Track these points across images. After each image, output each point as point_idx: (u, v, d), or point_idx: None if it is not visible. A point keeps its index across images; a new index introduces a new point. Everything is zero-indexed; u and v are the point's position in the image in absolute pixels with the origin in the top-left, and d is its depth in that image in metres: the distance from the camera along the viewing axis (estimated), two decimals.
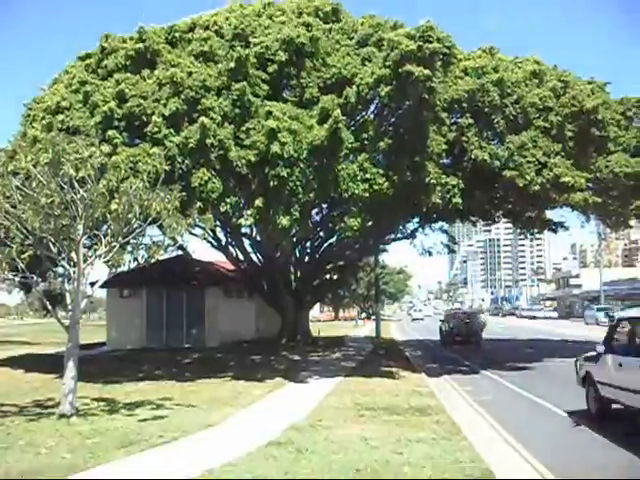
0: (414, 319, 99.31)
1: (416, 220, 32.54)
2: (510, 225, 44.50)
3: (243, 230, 31.40)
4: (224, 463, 9.45)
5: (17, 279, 14.94)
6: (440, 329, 44.36)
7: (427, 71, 19.03)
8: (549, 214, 31.46)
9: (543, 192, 22.43)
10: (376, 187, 20.27)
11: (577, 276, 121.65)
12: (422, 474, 8.87)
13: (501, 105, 21.86)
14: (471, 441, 11.20)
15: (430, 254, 41.02)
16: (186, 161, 20.05)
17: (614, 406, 13.02)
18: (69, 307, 14.66)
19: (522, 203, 26.60)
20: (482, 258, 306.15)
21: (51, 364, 24.43)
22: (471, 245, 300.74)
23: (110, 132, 20.49)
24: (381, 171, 20.59)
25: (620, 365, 12.33)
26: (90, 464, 9.59)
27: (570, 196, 23.20)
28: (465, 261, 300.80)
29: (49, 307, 15.53)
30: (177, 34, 23.62)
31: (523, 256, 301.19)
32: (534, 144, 22.25)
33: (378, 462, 9.53)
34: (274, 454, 10.07)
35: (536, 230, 33.65)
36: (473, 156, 21.61)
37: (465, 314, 46.63)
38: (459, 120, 22.32)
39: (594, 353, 13.68)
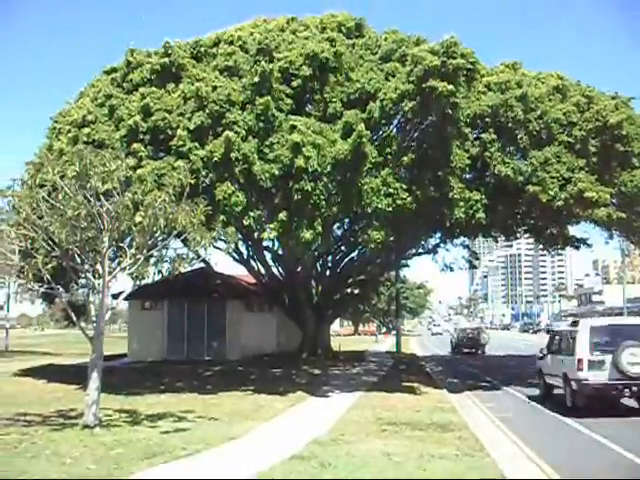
0: (434, 334, 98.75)
1: (438, 235, 32.43)
2: (532, 240, 44.31)
3: (265, 244, 31.49)
4: (248, 476, 9.46)
5: (42, 290, 15.07)
6: (450, 341, 56.51)
7: (451, 86, 19.07)
8: (572, 230, 31.21)
9: (566, 207, 22.31)
10: (399, 202, 20.27)
11: (600, 292, 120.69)
12: None
13: (524, 120, 21.79)
14: (494, 458, 11.12)
15: (451, 269, 40.89)
16: (210, 174, 20.20)
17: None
18: (93, 318, 14.76)
19: (545, 218, 26.46)
20: (503, 273, 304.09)
21: (73, 375, 24.65)
22: (492, 260, 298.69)
23: (135, 145, 20.69)
24: (404, 186, 20.59)
25: (550, 360, 19.77)
26: (115, 475, 9.64)
27: (594, 211, 22.99)
28: (486, 276, 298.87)
29: (74, 318, 15.62)
30: (202, 49, 23.87)
31: (544, 272, 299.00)
32: (558, 159, 22.15)
33: (401, 478, 9.49)
34: (297, 468, 10.06)
35: (559, 246, 33.41)
36: (496, 171, 21.57)
37: (470, 329, 56.12)
38: (482, 135, 22.27)
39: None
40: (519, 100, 21.64)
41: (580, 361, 16.89)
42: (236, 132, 20.12)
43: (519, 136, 21.97)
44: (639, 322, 20.87)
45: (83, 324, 15.94)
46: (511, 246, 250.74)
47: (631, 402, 17.58)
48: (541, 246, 36.00)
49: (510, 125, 21.84)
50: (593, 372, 16.71)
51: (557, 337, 20.18)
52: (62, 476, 9.47)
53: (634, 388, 16.57)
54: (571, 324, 19.92)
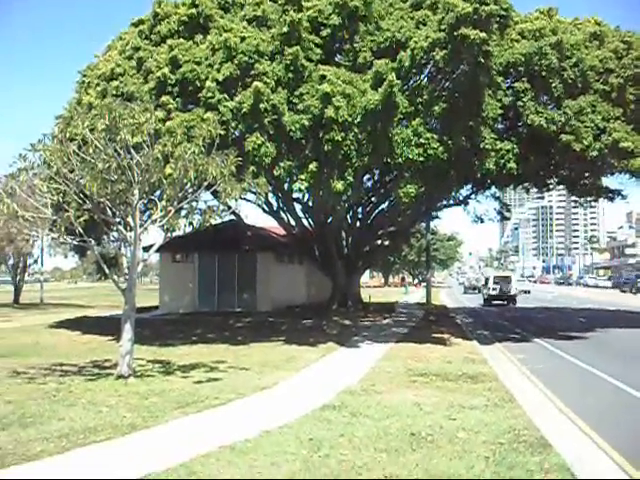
0: (466, 289, 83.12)
1: (469, 186, 32.15)
2: (564, 192, 43.91)
3: (295, 195, 31.49)
4: (280, 425, 9.55)
5: (74, 242, 15.21)
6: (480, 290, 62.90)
7: (483, 34, 18.69)
8: (605, 181, 30.72)
9: (601, 157, 21.98)
10: (430, 152, 20.04)
11: (633, 245, 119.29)
12: (477, 440, 8.84)
13: (559, 68, 21.32)
14: (524, 409, 11.11)
15: (482, 221, 40.74)
16: (239, 126, 20.12)
17: None
18: (125, 271, 14.90)
19: (578, 169, 26.10)
20: (534, 226, 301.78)
21: (106, 327, 25.06)
22: (523, 212, 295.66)
23: (164, 98, 20.63)
24: (435, 136, 20.33)
25: None
26: (150, 423, 9.81)
27: (629, 162, 22.58)
28: (517, 228, 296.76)
29: (106, 270, 15.77)
30: None
31: (576, 224, 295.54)
32: (593, 108, 21.75)
33: (432, 427, 9.53)
34: (329, 417, 10.15)
35: (592, 198, 33.00)
36: (529, 121, 21.19)
37: (499, 277, 56.21)
38: (515, 84, 21.86)
39: None
40: (554, 48, 21.15)
41: None
42: (265, 83, 19.95)
43: (553, 85, 21.50)
44: None
45: (115, 277, 16.08)
46: (543, 198, 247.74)
47: None
48: (574, 198, 35.62)
49: (544, 74, 21.37)
50: None
51: None
52: (99, 423, 9.66)
53: None
54: None
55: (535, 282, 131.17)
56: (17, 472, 7.48)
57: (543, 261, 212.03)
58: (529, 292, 71.29)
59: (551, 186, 33.30)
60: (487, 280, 55.88)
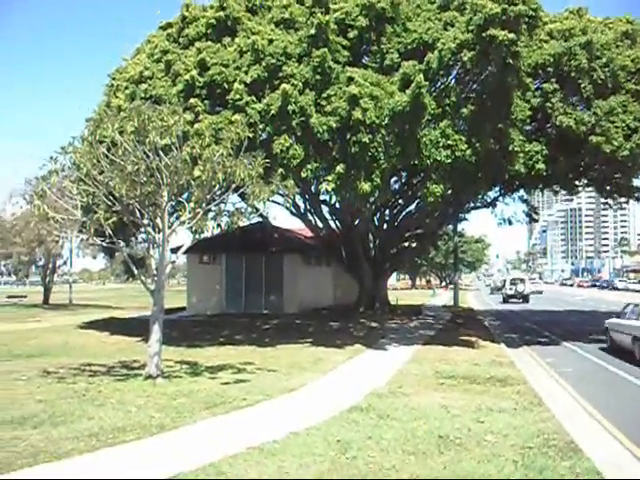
0: (492, 290, 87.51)
1: (497, 188, 31.93)
2: (593, 194, 43.55)
3: (322, 197, 31.48)
4: (308, 426, 9.57)
5: (103, 244, 15.34)
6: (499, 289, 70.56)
7: (512, 35, 18.57)
8: (636, 182, 30.30)
9: (632, 158, 21.71)
10: (458, 154, 19.95)
11: None
12: (505, 443, 8.78)
13: (589, 69, 21.12)
14: (554, 412, 11.02)
15: (510, 223, 40.37)
16: (267, 128, 20.20)
17: None
18: (153, 272, 15.00)
19: (608, 170, 25.81)
20: (563, 228, 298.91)
21: (134, 327, 25.23)
22: (551, 215, 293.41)
23: (192, 100, 20.73)
24: (463, 138, 20.23)
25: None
26: (178, 423, 9.87)
27: None
28: (545, 231, 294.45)
29: (135, 271, 15.88)
30: (257, 2, 23.66)
31: (606, 226, 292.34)
32: (624, 108, 21.52)
33: (460, 430, 9.50)
34: (356, 419, 10.15)
35: (622, 199, 32.60)
36: (558, 122, 21.05)
37: (514, 279, 66.19)
38: (544, 85, 21.75)
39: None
40: (583, 48, 20.98)
41: None
42: (293, 85, 20.00)
43: (582, 85, 21.31)
44: None
45: (143, 278, 16.20)
46: (571, 200, 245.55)
47: None
48: (603, 199, 35.20)
49: (573, 74, 21.21)
50: None
51: None
52: (128, 423, 9.74)
53: None
54: None
55: (572, 285, 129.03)
56: (48, 470, 7.56)
57: (572, 264, 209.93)
58: (541, 292, 75.53)
59: (580, 187, 32.95)
60: (504, 282, 67.09)
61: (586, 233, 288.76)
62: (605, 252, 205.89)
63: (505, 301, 60.43)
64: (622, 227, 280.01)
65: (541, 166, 20.64)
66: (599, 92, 21.66)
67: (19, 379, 14.31)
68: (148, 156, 13.43)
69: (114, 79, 25.41)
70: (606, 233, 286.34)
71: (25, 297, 59.59)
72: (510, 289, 61.69)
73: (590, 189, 34.27)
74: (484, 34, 18.90)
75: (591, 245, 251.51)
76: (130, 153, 13.42)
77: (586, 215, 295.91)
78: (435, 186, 20.64)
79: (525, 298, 60.01)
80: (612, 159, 21.98)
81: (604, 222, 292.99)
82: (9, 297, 59.89)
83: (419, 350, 20.28)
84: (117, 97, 23.12)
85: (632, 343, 18.77)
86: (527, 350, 21.73)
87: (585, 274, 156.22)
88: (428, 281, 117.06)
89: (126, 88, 23.13)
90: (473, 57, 19.71)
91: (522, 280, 65.03)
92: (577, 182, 29.96)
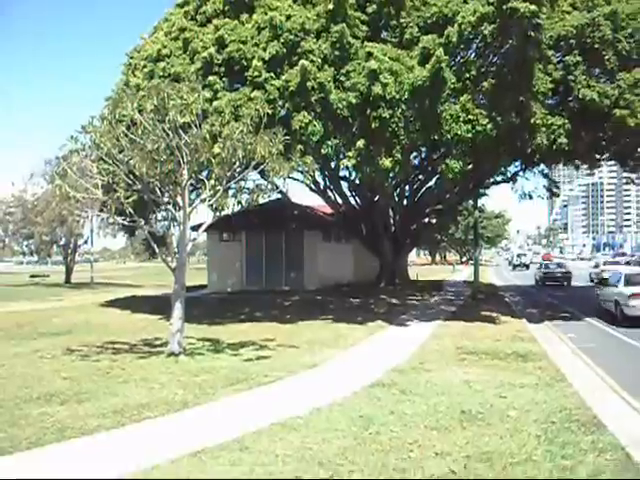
0: (516, 266, 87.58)
1: (517, 163, 31.69)
2: (614, 168, 43.13)
3: (341, 173, 31.43)
4: (331, 402, 9.61)
5: (124, 222, 15.41)
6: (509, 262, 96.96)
7: (533, 7, 18.29)
8: None
9: None
10: (479, 128, 19.76)
11: None
12: (528, 418, 8.77)
13: (613, 40, 20.66)
14: (576, 388, 10.97)
15: (530, 197, 40.13)
16: (286, 104, 20.09)
17: None
18: (174, 250, 15.08)
19: (632, 144, 25.43)
20: (584, 203, 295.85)
21: (155, 305, 25.41)
22: (572, 189, 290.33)
23: (211, 78, 20.67)
24: (484, 112, 20.02)
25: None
26: (201, 400, 9.96)
27: None
28: (566, 206, 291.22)
29: (156, 249, 15.96)
30: None
31: (628, 201, 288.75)
32: None
33: (482, 405, 9.51)
34: (378, 395, 10.18)
35: None
36: (580, 95, 20.70)
37: (520, 254, 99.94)
38: (566, 58, 21.36)
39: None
40: (608, 18, 20.55)
41: None
42: (311, 61, 19.85)
43: (606, 57, 20.86)
44: None
45: (164, 256, 16.29)
46: (593, 174, 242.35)
47: None
48: (625, 174, 34.80)
49: (597, 46, 20.77)
50: None
51: None
52: (152, 400, 9.84)
53: None
54: None
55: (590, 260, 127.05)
56: (77, 445, 7.67)
57: (593, 239, 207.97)
58: (562, 265, 74.49)
59: (602, 162, 32.58)
60: (512, 256, 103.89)
61: (607, 208, 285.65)
62: (627, 227, 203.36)
63: (514, 268, 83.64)
64: None
65: (563, 140, 20.36)
66: (623, 64, 21.20)
67: (44, 357, 14.52)
68: (168, 134, 13.45)
69: (132, 58, 25.37)
70: (628, 208, 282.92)
71: (48, 276, 60.16)
72: (517, 261, 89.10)
73: (612, 163, 33.86)
74: (505, 6, 18.66)
75: (612, 220, 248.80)
76: (150, 132, 13.43)
77: (607, 189, 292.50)
78: (454, 162, 20.49)
79: (526, 266, 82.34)
80: (636, 132, 21.63)
81: (626, 196, 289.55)
82: (32, 276, 60.45)
83: (440, 326, 20.28)
84: (135, 76, 23.12)
85: (615, 307, 22.30)
86: (549, 325, 21.62)
87: (607, 249, 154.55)
88: (444, 257, 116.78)
89: (144, 67, 23.09)
90: (494, 30, 19.48)
91: (525, 255, 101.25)
92: (599, 156, 29.62)
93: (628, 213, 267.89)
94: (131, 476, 6.56)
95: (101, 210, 16.00)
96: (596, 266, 53.71)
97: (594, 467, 6.75)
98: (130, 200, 14.27)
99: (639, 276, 23.59)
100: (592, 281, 44.87)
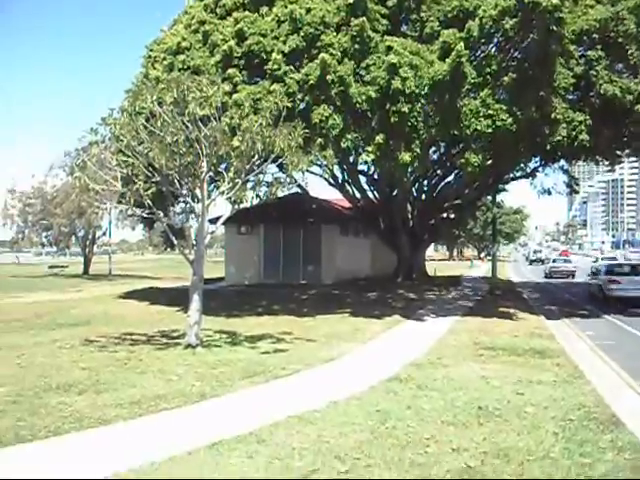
0: (532, 261, 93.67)
1: (537, 159, 31.49)
2: (636, 165, 42.86)
3: (360, 167, 31.38)
4: (348, 396, 9.59)
5: (143, 214, 15.47)
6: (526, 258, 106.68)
7: (555, 0, 18.12)
8: None
9: None
10: (499, 123, 19.62)
11: None
12: (546, 415, 8.72)
13: (637, 34, 20.36)
14: (594, 385, 10.89)
15: (550, 193, 40.00)
16: (306, 98, 20.09)
17: None
18: (193, 242, 15.12)
19: None
20: (604, 199, 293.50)
21: (173, 297, 25.52)
22: (592, 186, 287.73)
23: (230, 71, 20.72)
24: (504, 107, 19.86)
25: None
26: (218, 392, 9.98)
27: None
28: (585, 202, 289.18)
29: (175, 241, 16.00)
30: None
31: None
32: None
33: (500, 401, 9.45)
34: (395, 389, 10.15)
35: None
36: (602, 91, 20.49)
37: (536, 250, 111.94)
38: (588, 52, 21.16)
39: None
40: (632, 12, 20.27)
41: None
42: (331, 54, 19.83)
43: (630, 52, 20.59)
44: None
45: (182, 248, 16.33)
46: (613, 171, 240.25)
47: None
48: None
49: (620, 40, 20.55)
50: None
51: None
52: (169, 391, 9.88)
53: None
54: None
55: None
56: (95, 435, 7.73)
57: (613, 236, 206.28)
58: (569, 260, 78.19)
59: (623, 158, 32.32)
60: (529, 252, 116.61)
61: (628, 205, 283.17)
62: None
63: (530, 263, 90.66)
64: None
65: (584, 137, 20.18)
66: None
67: (63, 347, 14.61)
68: (187, 127, 13.46)
69: (152, 50, 25.41)
70: None
71: (67, 267, 60.53)
72: (533, 256, 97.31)
73: (633, 160, 33.64)
74: (527, 0, 18.51)
75: (633, 217, 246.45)
76: (169, 124, 13.46)
77: (628, 186, 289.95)
78: (473, 156, 20.38)
79: (542, 261, 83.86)
80: None
81: None
82: (50, 267, 60.84)
83: (458, 321, 20.22)
84: (155, 68, 23.17)
85: (599, 291, 29.63)
86: (567, 322, 21.49)
87: (627, 246, 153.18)
88: (460, 252, 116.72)
89: (164, 59, 23.14)
90: (515, 24, 19.34)
91: (540, 251, 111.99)
92: (620, 152, 29.37)
93: None
94: (140, 472, 6.58)
95: (119, 202, 16.08)
96: (595, 261, 59.65)
97: (613, 465, 6.70)
98: (149, 192, 14.26)
99: (617, 267, 32.06)
100: None
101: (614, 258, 69.19)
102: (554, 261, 59.51)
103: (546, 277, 53.95)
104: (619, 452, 7.16)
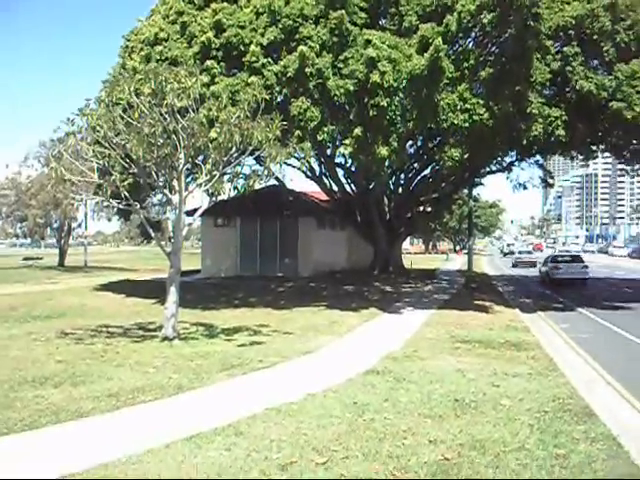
0: (506, 254, 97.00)
1: (513, 153, 31.69)
2: (609, 160, 43.52)
3: (337, 160, 31.39)
4: (325, 389, 9.62)
5: (119, 206, 15.39)
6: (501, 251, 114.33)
7: None
8: None
9: None
10: (476, 117, 19.77)
11: None
12: (521, 407, 8.81)
13: (612, 31, 20.64)
14: (568, 378, 11.01)
15: (525, 188, 40.41)
16: (284, 90, 20.08)
17: None
18: (170, 234, 15.07)
19: (628, 137, 25.43)
20: (578, 194, 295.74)
21: (149, 290, 25.41)
22: (567, 180, 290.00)
23: (208, 62, 20.63)
24: (481, 101, 20.02)
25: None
26: (195, 384, 9.97)
27: None
28: (560, 196, 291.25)
29: (152, 233, 15.94)
30: None
31: (622, 193, 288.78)
32: None
33: (475, 394, 9.52)
34: (373, 382, 10.19)
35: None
36: (578, 87, 20.71)
37: (509, 244, 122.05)
38: (564, 48, 21.34)
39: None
40: (607, 9, 20.54)
41: None
42: (310, 47, 19.84)
43: (605, 49, 20.87)
44: None
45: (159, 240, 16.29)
46: (587, 166, 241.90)
47: None
48: (620, 166, 34.96)
49: (595, 37, 20.79)
50: None
51: None
52: (146, 384, 9.85)
53: None
54: None
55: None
56: (72, 428, 7.69)
57: (587, 230, 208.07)
58: (531, 252, 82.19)
59: (597, 153, 32.62)
60: (503, 245, 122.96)
61: (602, 199, 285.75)
62: (621, 219, 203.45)
63: (504, 256, 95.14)
64: (639, 194, 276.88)
65: (561, 132, 20.37)
66: (621, 56, 21.17)
67: (38, 340, 14.53)
68: (165, 118, 13.41)
69: (129, 41, 25.21)
70: (622, 200, 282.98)
71: (41, 259, 60.04)
72: (506, 249, 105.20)
73: (607, 155, 33.94)
74: None
75: (606, 212, 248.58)
76: (147, 115, 13.39)
77: (602, 181, 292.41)
78: (454, 150, 20.50)
79: (514, 253, 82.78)
80: (632, 125, 21.63)
81: (620, 188, 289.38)
82: (25, 259, 60.34)
83: (434, 314, 20.33)
84: (132, 59, 22.99)
85: (546, 275, 37.46)
86: (542, 315, 21.71)
87: (600, 240, 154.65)
88: (434, 246, 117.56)
89: (141, 50, 22.98)
90: (493, 19, 19.47)
91: (513, 244, 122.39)
92: (595, 147, 29.65)
93: (622, 205, 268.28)
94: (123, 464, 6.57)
95: (96, 193, 15.99)
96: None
97: (586, 456, 6.79)
98: (125, 183, 14.19)
99: (560, 257, 40.04)
100: None
101: (568, 251, 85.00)
102: (520, 253, 72.30)
103: (513, 266, 62.87)
104: (592, 443, 7.25)
